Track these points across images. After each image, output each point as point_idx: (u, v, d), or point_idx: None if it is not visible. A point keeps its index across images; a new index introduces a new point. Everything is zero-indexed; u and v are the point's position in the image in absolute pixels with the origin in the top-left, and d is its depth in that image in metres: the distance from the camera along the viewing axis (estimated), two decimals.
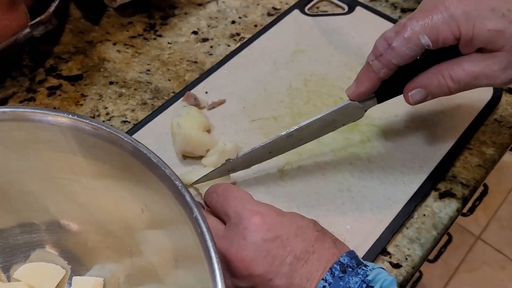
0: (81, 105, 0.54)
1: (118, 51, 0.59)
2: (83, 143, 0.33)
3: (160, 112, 0.53)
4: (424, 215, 0.47)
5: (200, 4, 0.65)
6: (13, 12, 0.50)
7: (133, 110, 0.54)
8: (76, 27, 0.62)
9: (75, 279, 0.41)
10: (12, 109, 0.32)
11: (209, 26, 0.62)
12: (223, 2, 0.65)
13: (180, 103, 0.53)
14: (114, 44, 0.60)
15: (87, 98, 0.55)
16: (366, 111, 0.44)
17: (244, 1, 0.65)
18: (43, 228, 0.42)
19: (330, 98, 0.54)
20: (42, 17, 0.44)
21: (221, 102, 0.53)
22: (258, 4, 0.65)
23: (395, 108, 0.53)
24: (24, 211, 0.38)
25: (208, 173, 0.45)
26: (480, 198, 0.87)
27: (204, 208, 0.42)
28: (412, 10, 0.63)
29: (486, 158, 0.50)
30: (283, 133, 0.44)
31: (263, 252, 0.34)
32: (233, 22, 0.63)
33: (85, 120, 0.32)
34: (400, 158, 0.50)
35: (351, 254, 0.36)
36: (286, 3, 0.64)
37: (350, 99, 0.43)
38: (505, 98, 0.55)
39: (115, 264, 0.41)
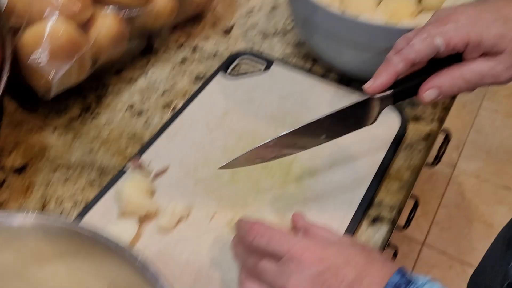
0: (30, 194, 0.57)
1: (59, 136, 0.62)
2: (47, 237, 0.36)
3: (109, 188, 0.56)
4: None
5: (130, 79, 0.69)
6: None
7: (82, 190, 0.57)
8: (13, 120, 0.64)
9: None
10: None
11: (142, 100, 0.67)
12: (152, 74, 0.70)
13: (125, 176, 0.57)
14: (54, 130, 0.63)
15: (35, 187, 0.57)
16: (378, 115, 0.50)
17: (171, 71, 0.70)
18: None
19: None
20: None
21: (165, 170, 0.58)
22: (184, 72, 0.70)
23: (321, 150, 0.60)
24: None
25: (236, 158, 0.48)
26: (413, 211, 0.96)
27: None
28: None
29: (404, 181, 0.58)
30: (309, 121, 0.48)
31: (318, 284, 0.38)
32: (163, 92, 0.68)
33: (45, 217, 0.36)
34: (332, 193, 0.56)
35: (401, 272, 0.39)
36: (210, 68, 0.71)
37: (368, 94, 0.49)
38: (412, 125, 0.64)
39: None
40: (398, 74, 0.48)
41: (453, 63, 0.48)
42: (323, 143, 0.50)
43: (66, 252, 0.37)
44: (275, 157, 0.50)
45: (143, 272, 0.35)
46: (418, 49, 0.46)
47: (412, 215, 0.95)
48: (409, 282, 0.38)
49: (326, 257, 0.39)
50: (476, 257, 1.62)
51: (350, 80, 0.69)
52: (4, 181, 0.58)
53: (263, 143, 0.48)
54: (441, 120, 0.65)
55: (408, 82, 0.49)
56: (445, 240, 1.58)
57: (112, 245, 0.35)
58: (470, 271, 0.75)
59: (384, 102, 0.50)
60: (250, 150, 0.48)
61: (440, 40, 0.45)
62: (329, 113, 0.48)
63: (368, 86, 0.49)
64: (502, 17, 0.45)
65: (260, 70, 0.70)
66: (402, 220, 0.94)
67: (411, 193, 0.60)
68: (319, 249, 0.40)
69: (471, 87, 0.48)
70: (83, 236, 0.36)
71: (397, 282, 0.38)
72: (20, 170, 0.59)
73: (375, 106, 0.50)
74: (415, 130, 0.63)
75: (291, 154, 0.51)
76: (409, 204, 0.95)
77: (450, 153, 1.80)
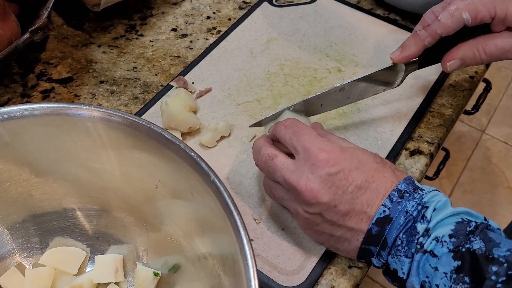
0: None
1: (104, 52, 0.63)
2: (107, 129, 0.37)
3: (152, 105, 0.57)
4: None
5: (175, 3, 0.69)
6: (6, 22, 0.53)
7: (126, 105, 0.58)
8: (59, 34, 0.65)
9: (97, 258, 0.45)
10: (50, 105, 0.36)
11: (186, 23, 0.67)
12: (197, 0, 0.70)
13: (169, 92, 0.58)
14: (99, 46, 0.64)
15: (81, 97, 0.59)
16: (403, 79, 0.51)
17: None
18: (62, 216, 0.46)
19: (305, 78, 0.60)
20: (40, 23, 0.48)
21: (208, 91, 0.58)
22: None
23: None
24: (54, 199, 0.43)
25: (265, 118, 0.49)
26: (443, 162, 0.95)
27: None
28: None
29: (446, 118, 0.58)
30: (337, 85, 0.49)
31: (328, 184, 0.39)
32: (208, 17, 0.67)
33: (108, 111, 0.37)
34: (372, 125, 0.56)
35: (408, 181, 0.40)
36: None
37: (393, 63, 0.50)
38: None
39: (132, 240, 0.46)
40: (426, 47, 0.49)
41: (480, 33, 0.48)
42: (348, 104, 0.52)
43: (121, 144, 0.39)
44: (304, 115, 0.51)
45: (195, 167, 0.36)
46: (445, 24, 0.47)
47: (441, 166, 0.95)
48: (415, 189, 0.40)
49: (340, 161, 0.40)
50: (497, 222, 1.63)
51: (396, 16, 0.67)
52: (51, 91, 0.59)
53: (290, 105, 0.49)
54: (487, 64, 0.64)
55: (433, 51, 0.50)
56: (467, 203, 1.57)
57: (167, 138, 0.36)
58: None
59: (409, 69, 0.51)
60: (278, 112, 0.49)
61: (467, 14, 0.46)
62: (356, 78, 0.49)
63: (395, 56, 0.50)
64: None
65: (306, 1, 0.69)
66: (430, 172, 0.94)
67: (442, 146, 0.60)
68: (334, 152, 0.40)
69: (493, 60, 0.49)
70: (140, 129, 0.37)
71: (404, 189, 0.39)
72: (66, 82, 0.60)
73: (401, 72, 0.51)
74: (460, 70, 0.62)
75: (317, 114, 0.51)
76: (440, 155, 0.95)
77: (480, 116, 1.77)
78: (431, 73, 0.60)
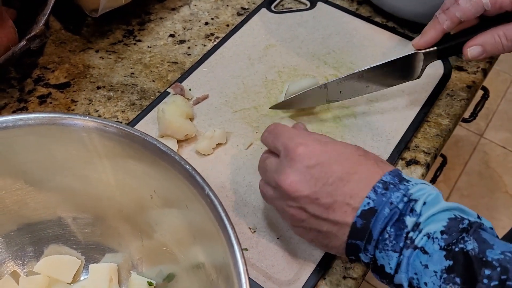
0: (73, 110, 0.58)
1: (101, 57, 0.63)
2: (101, 140, 0.37)
3: (149, 111, 0.57)
4: None
5: (173, 9, 0.69)
6: (2, 28, 0.53)
7: (123, 111, 0.58)
8: (57, 38, 0.65)
9: (92, 266, 0.45)
10: (45, 115, 0.36)
11: (184, 29, 0.67)
12: (195, 5, 0.70)
13: (166, 99, 0.58)
14: (97, 51, 0.64)
15: (78, 103, 0.58)
16: (423, 70, 0.52)
17: (214, 3, 0.70)
18: (57, 224, 0.46)
19: None
20: (37, 30, 0.48)
21: (205, 97, 0.58)
22: (227, 5, 0.70)
23: None
24: (49, 208, 0.43)
25: (282, 101, 0.54)
26: (440, 169, 0.96)
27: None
28: (367, 2, 0.70)
29: (443, 128, 0.57)
30: (355, 71, 0.51)
31: (307, 176, 0.39)
32: (206, 23, 0.67)
33: (103, 122, 0.37)
34: (369, 133, 0.56)
35: (394, 173, 0.39)
36: (253, 3, 0.70)
37: (415, 49, 0.51)
38: (455, 74, 0.62)
39: (126, 249, 0.46)
40: (445, 32, 0.50)
41: (503, 22, 0.48)
42: (367, 93, 0.54)
43: (116, 155, 0.39)
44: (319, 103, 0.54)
45: (190, 179, 0.36)
46: (464, 8, 0.47)
47: (438, 172, 0.95)
48: (401, 180, 0.38)
49: (319, 153, 0.40)
50: (494, 227, 1.63)
51: (394, 24, 0.67)
52: (48, 96, 0.59)
53: (309, 89, 0.51)
54: (485, 72, 0.64)
55: (453, 40, 0.51)
56: None
57: (162, 150, 0.36)
58: None
59: (429, 58, 0.52)
60: (299, 94, 0.52)
61: None
62: (375, 65, 0.51)
63: (415, 42, 0.51)
64: None
65: (305, 7, 0.69)
66: (427, 178, 0.94)
67: (440, 152, 0.60)
68: (313, 146, 0.40)
69: None
70: (135, 140, 0.37)
71: (389, 181, 0.38)
72: (64, 87, 0.60)
73: (419, 61, 0.52)
74: (458, 79, 0.62)
75: (336, 101, 0.54)
76: (437, 161, 0.95)
77: (478, 121, 1.77)
78: (428, 81, 0.60)
